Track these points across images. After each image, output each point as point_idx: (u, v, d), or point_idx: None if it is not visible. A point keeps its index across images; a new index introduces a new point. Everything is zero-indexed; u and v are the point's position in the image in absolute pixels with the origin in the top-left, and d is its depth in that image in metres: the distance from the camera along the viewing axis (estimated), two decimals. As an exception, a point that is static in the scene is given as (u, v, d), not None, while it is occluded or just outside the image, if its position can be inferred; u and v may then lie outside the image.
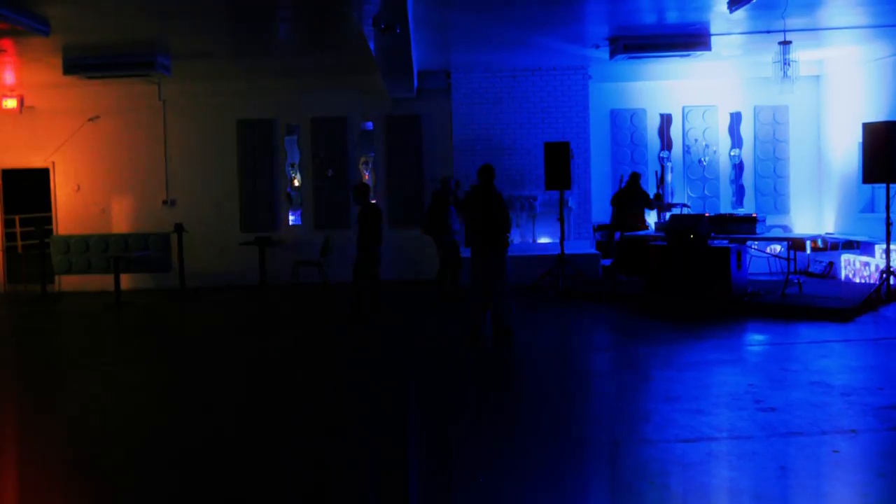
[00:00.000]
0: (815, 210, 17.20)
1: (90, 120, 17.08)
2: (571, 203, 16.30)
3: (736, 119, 17.30)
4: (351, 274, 12.61)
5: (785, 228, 16.06)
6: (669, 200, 16.91)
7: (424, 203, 17.15)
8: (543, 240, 16.59)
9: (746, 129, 17.30)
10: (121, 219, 17.33)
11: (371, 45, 11.79)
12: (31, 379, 10.01)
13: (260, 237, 16.74)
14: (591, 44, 14.37)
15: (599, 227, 16.76)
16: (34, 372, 10.37)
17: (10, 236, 17.91)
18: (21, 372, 10.56)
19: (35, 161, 17.33)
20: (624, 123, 17.34)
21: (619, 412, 7.64)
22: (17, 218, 18.08)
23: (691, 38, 13.58)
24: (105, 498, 5.94)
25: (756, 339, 10.98)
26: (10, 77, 15.77)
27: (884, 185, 12.66)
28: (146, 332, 13.20)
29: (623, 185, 15.77)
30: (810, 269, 15.47)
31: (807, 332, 10.90)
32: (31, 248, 17.37)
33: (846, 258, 14.92)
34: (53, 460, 6.79)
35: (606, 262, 15.94)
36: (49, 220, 17.34)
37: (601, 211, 17.10)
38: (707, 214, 13.62)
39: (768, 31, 12.97)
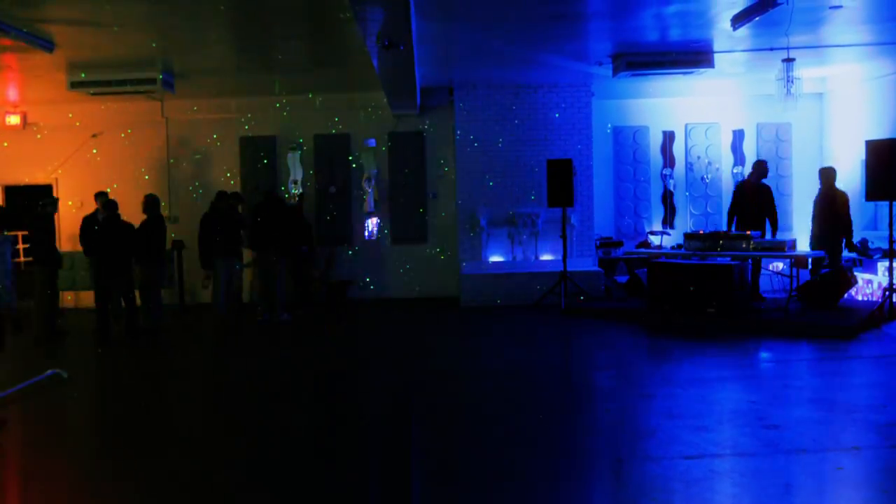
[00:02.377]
0: (818, 228, 17.18)
1: (93, 136, 17.11)
2: (574, 220, 16.28)
3: (739, 136, 17.30)
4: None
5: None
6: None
7: (427, 219, 17.17)
8: (546, 257, 16.58)
9: (749, 147, 17.31)
10: (124, 235, 17.30)
11: (374, 62, 11.82)
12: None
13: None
14: (594, 61, 14.41)
15: (602, 244, 16.73)
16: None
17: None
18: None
19: (38, 177, 17.36)
20: (626, 140, 17.36)
21: (621, 429, 7.61)
22: (19, 234, 18.07)
23: (694, 56, 13.61)
24: None
25: (759, 356, 10.94)
26: (13, 93, 15.84)
27: (887, 203, 12.66)
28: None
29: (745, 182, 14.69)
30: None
31: (809, 350, 10.87)
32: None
33: (849, 275, 14.90)
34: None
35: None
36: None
37: (603, 226, 17.13)
38: None
39: (771, 49, 13.01)
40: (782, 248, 12.82)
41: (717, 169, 17.18)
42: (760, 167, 14.29)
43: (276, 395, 9.40)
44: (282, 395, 9.42)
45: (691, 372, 9.75)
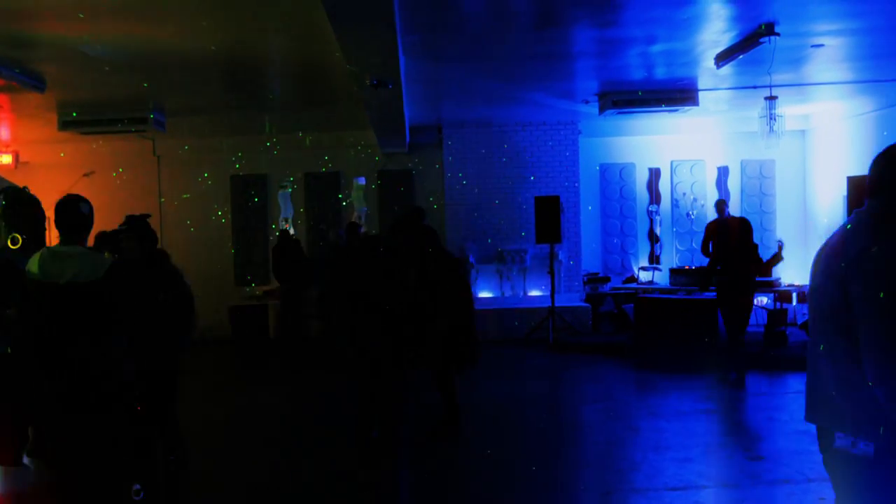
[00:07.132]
0: (801, 262, 17.28)
1: (85, 175, 17.18)
2: (561, 256, 16.41)
3: (723, 173, 17.48)
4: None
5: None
6: (658, 253, 17.10)
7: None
8: (534, 293, 16.69)
9: (734, 183, 17.48)
10: (114, 273, 17.27)
11: (364, 102, 11.95)
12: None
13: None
14: (580, 99, 14.56)
15: (590, 279, 16.83)
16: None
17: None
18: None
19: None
20: (613, 177, 17.53)
21: (609, 462, 7.70)
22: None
23: (679, 94, 13.73)
24: None
25: (743, 390, 11.04)
26: (5, 133, 15.90)
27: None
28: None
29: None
30: (797, 321, 15.52)
31: (793, 382, 10.97)
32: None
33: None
34: None
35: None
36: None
37: (590, 262, 17.26)
38: None
39: (755, 87, 13.17)
40: (768, 283, 12.96)
41: (703, 205, 17.30)
42: (722, 204, 13.25)
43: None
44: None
45: (677, 405, 9.86)
